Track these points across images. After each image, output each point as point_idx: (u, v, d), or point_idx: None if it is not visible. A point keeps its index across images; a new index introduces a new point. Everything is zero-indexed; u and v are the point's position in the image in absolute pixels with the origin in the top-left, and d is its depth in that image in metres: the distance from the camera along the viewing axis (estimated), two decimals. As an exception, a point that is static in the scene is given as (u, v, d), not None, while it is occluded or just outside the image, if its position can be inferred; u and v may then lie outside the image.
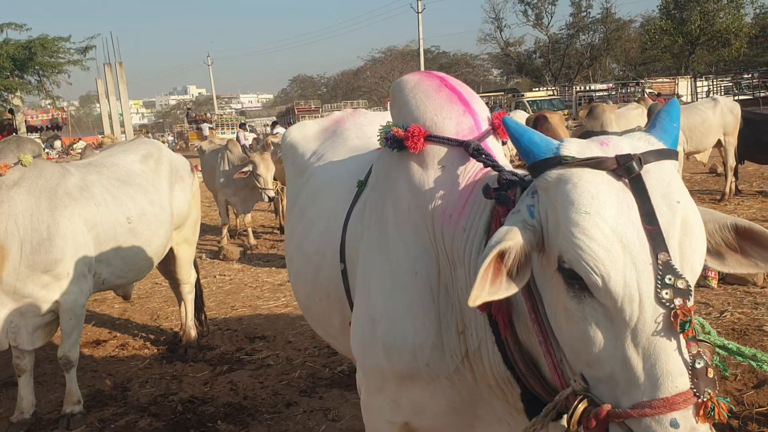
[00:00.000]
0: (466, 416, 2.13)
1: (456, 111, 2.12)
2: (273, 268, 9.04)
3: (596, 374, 1.52)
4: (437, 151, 2.08)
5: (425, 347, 2.04)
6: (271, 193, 10.18)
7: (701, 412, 1.42)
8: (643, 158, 1.52)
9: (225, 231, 10.72)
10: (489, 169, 2.01)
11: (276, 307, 7.07)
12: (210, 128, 38.01)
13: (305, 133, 3.31)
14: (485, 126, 2.13)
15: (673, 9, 45.72)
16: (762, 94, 28.73)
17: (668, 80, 37.54)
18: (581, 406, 1.51)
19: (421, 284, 2.05)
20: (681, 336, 1.43)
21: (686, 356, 1.43)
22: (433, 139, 2.07)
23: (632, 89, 35.34)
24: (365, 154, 2.74)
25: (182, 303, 6.07)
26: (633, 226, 1.45)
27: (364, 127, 3.17)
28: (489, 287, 1.54)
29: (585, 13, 53.74)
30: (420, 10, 46.14)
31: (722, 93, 21.31)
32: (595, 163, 1.52)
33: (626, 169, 1.50)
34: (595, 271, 1.43)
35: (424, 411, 2.17)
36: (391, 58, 68.74)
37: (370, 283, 2.18)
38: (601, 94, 35.46)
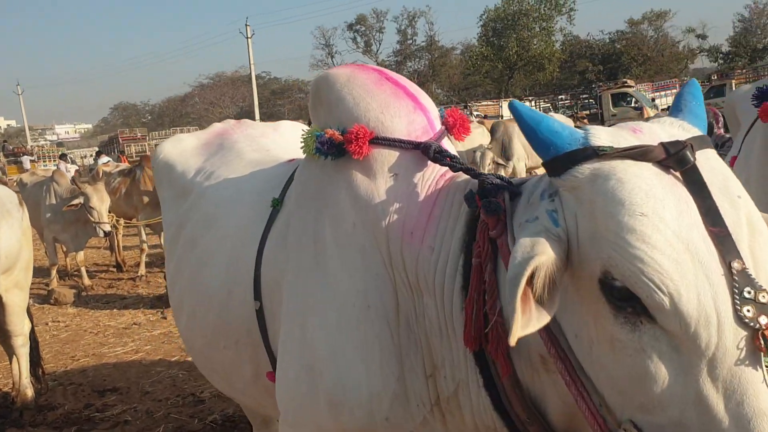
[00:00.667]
0: None
1: (405, 108, 1.76)
2: (114, 309, 8.17)
3: (657, 420, 1.21)
4: (387, 156, 1.70)
5: (384, 398, 1.65)
6: (107, 228, 9.23)
7: None
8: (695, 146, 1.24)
9: (54, 272, 9.59)
10: (454, 174, 1.67)
11: (125, 354, 6.31)
12: (31, 161, 35.02)
13: (182, 148, 2.80)
14: (438, 125, 1.79)
15: (491, 36, 48.44)
16: (583, 113, 30.89)
17: (492, 103, 39.50)
18: None
19: (375, 320, 1.66)
20: None
21: None
22: (381, 141, 1.70)
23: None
24: (271, 168, 2.30)
25: (14, 358, 5.20)
26: (697, 229, 1.18)
27: (258, 138, 2.72)
28: (521, 318, 1.20)
29: (411, 41, 55.70)
30: (249, 36, 45.50)
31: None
32: (638, 153, 1.23)
33: (678, 160, 1.22)
34: (662, 289, 1.14)
35: None
36: (220, 83, 67.37)
37: (306, 323, 1.76)
38: (432, 117, 36.55)
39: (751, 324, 1.13)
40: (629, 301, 1.18)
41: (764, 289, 1.15)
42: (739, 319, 1.14)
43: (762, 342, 1.13)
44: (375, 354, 1.65)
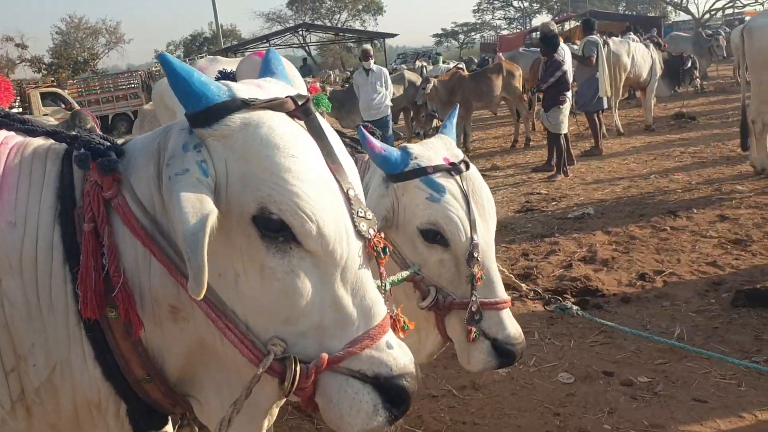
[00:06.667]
0: None
1: None
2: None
3: (300, 329, 1.42)
4: None
5: None
6: None
7: (398, 327, 1.61)
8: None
9: None
10: (19, 142, 1.58)
11: None
12: None
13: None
14: None
15: None
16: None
17: None
18: (298, 367, 1.40)
19: None
20: (377, 263, 1.54)
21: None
22: None
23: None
24: None
25: None
26: (324, 165, 1.44)
27: None
28: (206, 270, 1.28)
29: None
30: None
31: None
32: (278, 104, 1.44)
33: (304, 110, 1.47)
34: (312, 218, 1.35)
35: None
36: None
37: None
38: None
39: (366, 235, 1.47)
40: (281, 231, 1.35)
41: (367, 209, 1.50)
42: (358, 233, 1.46)
43: (373, 248, 1.49)
44: None
